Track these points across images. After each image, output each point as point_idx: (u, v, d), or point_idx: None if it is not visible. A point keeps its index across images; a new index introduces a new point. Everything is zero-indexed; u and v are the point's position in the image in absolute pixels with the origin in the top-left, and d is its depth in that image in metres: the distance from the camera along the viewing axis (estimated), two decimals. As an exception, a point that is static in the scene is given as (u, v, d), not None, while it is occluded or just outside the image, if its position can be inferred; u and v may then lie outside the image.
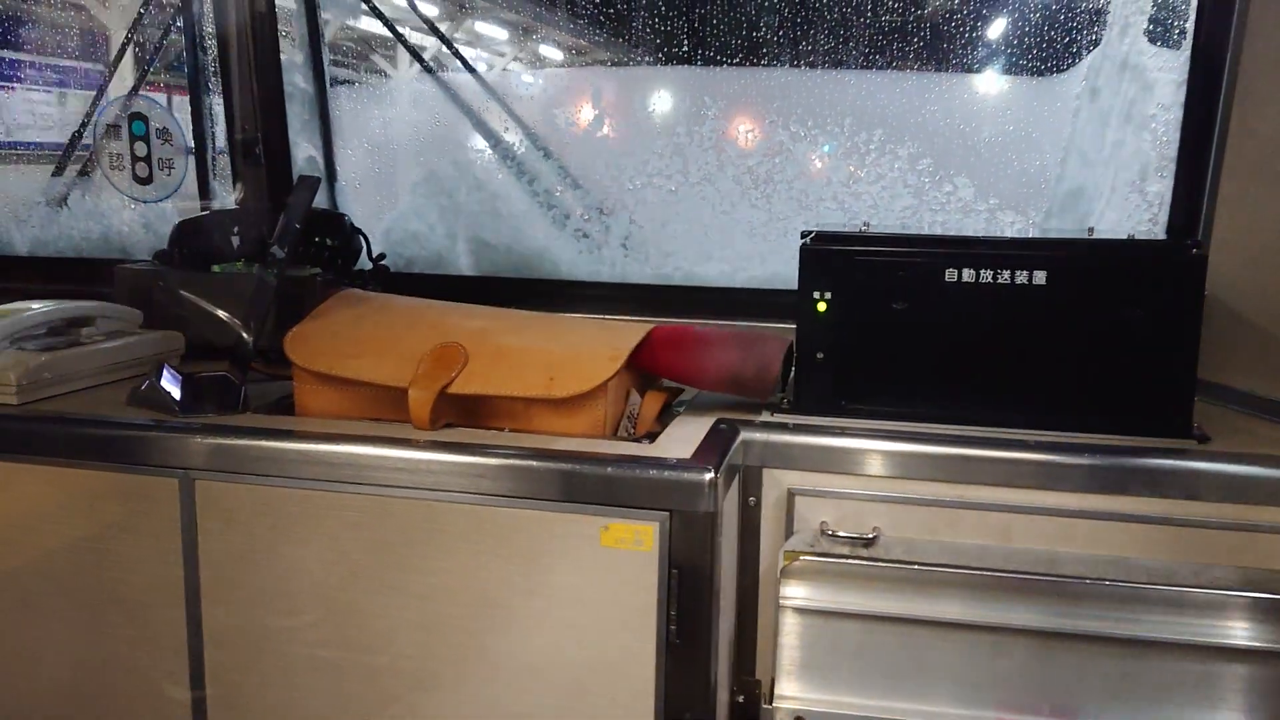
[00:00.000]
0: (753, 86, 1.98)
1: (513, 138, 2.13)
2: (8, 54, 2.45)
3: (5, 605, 1.41)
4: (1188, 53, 1.62)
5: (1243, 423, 1.40)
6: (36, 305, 1.54)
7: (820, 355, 1.41)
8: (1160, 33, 1.72)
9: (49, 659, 1.41)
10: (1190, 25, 1.62)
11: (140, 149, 2.17)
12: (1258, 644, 1.17)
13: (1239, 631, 1.17)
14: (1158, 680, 1.20)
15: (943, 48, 1.92)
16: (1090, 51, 1.83)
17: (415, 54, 2.22)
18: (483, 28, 2.37)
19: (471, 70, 2.15)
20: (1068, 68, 1.86)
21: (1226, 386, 1.48)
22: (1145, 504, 1.24)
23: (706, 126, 1.99)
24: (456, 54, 2.16)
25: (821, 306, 1.40)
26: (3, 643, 1.43)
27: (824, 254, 1.40)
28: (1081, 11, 1.84)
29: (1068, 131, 1.85)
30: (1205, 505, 1.23)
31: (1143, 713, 1.21)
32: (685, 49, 2.01)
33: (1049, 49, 1.85)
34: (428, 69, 2.20)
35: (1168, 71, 1.67)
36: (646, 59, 2.06)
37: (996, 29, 1.90)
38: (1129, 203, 1.75)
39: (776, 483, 1.33)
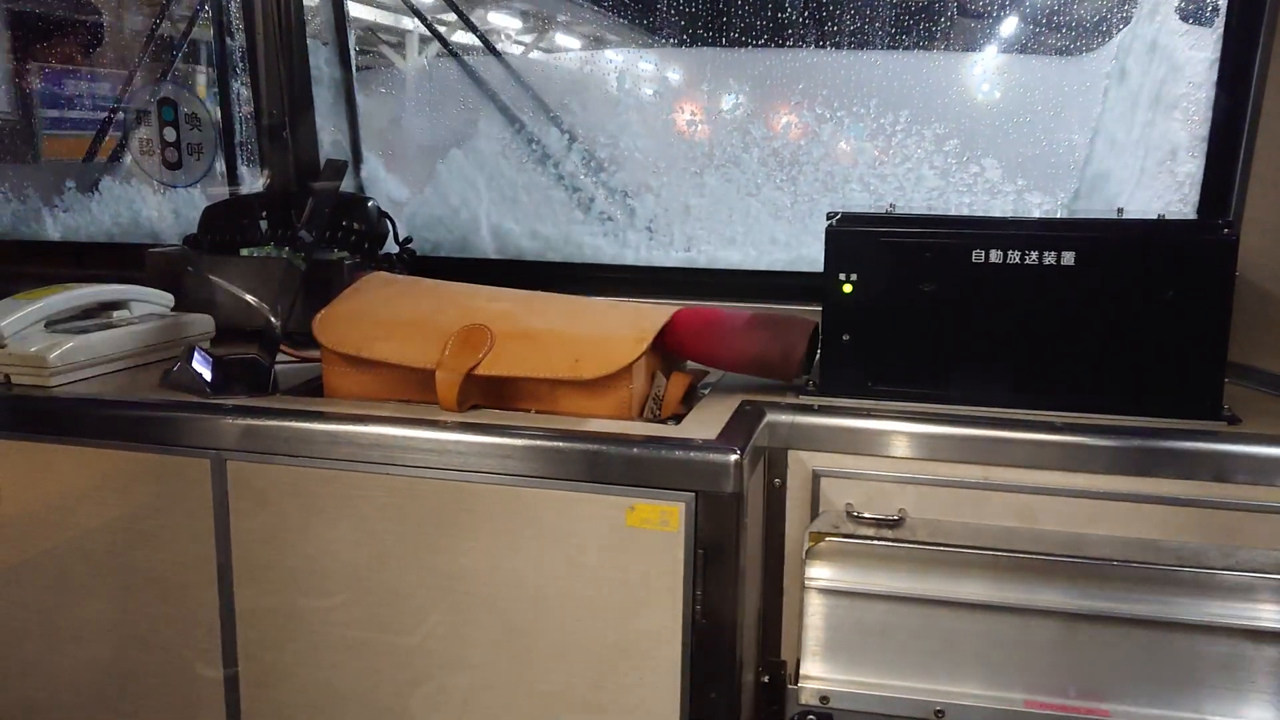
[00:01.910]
0: (777, 68, 1.97)
1: (537, 122, 2.13)
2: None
3: (43, 584, 1.44)
4: (1220, 30, 1.60)
5: (1273, 405, 1.39)
6: (70, 289, 1.57)
7: (846, 337, 1.40)
8: (1192, 10, 1.69)
9: (85, 637, 1.44)
10: (1223, 2, 1.60)
11: (169, 134, 2.19)
12: (1287, 627, 1.16)
13: (1268, 614, 1.16)
14: (1185, 663, 1.19)
15: (970, 27, 1.90)
16: (1121, 30, 1.81)
17: (440, 38, 2.22)
18: (505, 11, 2.36)
19: (496, 54, 2.15)
20: (1097, 46, 1.84)
21: (1257, 368, 1.47)
22: (1174, 486, 1.23)
23: (731, 108, 1.98)
24: (481, 37, 2.16)
25: (847, 288, 1.39)
26: (40, 621, 1.45)
27: (850, 235, 1.39)
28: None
29: (1097, 111, 1.83)
30: (1234, 487, 1.22)
31: (1170, 695, 1.20)
32: (709, 30, 2.00)
33: (1078, 27, 1.83)
34: (452, 53, 2.20)
35: (1200, 49, 1.65)
36: (670, 41, 2.05)
37: (1025, 7, 1.88)
38: (1159, 183, 1.73)
39: (802, 464, 1.33)
